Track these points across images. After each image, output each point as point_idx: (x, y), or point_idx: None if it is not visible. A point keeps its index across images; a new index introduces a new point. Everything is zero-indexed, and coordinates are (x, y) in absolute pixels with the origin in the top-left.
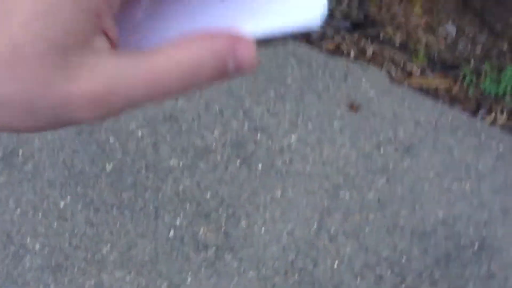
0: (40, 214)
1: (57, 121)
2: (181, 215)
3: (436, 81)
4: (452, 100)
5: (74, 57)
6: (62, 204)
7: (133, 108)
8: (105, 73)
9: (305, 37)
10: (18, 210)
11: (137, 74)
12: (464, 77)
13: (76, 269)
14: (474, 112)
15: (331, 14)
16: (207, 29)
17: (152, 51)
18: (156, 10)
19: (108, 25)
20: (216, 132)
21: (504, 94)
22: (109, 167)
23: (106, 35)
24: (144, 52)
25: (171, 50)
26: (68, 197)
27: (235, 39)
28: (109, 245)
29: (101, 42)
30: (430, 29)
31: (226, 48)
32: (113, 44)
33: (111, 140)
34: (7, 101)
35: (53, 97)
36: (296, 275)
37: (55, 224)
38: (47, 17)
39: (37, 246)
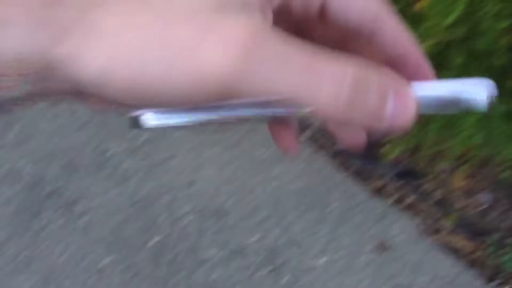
0: (81, 266)
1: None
2: None
3: (462, 242)
4: (473, 263)
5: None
6: (102, 262)
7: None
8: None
9: (358, 172)
10: (63, 256)
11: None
12: (488, 246)
13: None
14: (490, 280)
15: (383, 158)
16: None
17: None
18: None
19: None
20: (256, 236)
21: None
22: (153, 240)
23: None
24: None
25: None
26: (110, 258)
27: (401, 81)
28: None
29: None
30: (468, 193)
31: (391, 82)
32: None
33: (162, 217)
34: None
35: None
36: None
37: (93, 278)
38: None
39: None
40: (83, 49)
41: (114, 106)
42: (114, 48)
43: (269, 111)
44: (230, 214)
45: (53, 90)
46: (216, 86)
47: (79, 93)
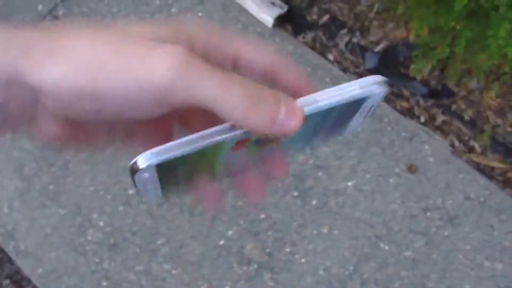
0: (109, 196)
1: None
2: (234, 228)
3: (494, 161)
4: (505, 183)
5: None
6: (130, 191)
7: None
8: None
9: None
10: (92, 187)
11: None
12: None
13: (130, 252)
14: None
15: (411, 77)
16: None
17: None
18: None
19: None
20: None
21: None
22: None
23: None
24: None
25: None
26: None
27: (290, 101)
28: (164, 238)
29: None
30: (501, 112)
31: (282, 95)
32: None
33: None
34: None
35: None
36: None
37: (121, 208)
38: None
39: (101, 223)
40: (47, 60)
41: (65, 127)
42: (75, 59)
43: (235, 133)
44: None
45: (14, 101)
46: (159, 89)
47: (37, 104)
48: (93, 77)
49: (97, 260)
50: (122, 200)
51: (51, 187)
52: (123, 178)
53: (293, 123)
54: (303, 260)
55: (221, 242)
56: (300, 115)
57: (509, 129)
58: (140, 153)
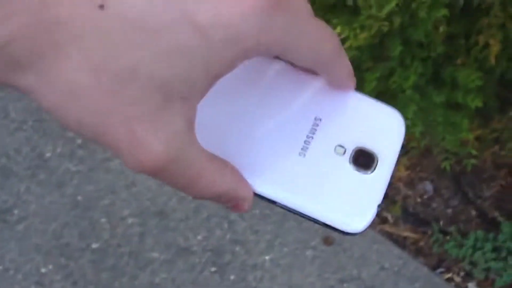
0: (20, 275)
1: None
2: None
3: (406, 231)
4: (417, 253)
5: (170, 109)
6: (43, 270)
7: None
8: (177, 145)
9: None
10: (1, 266)
11: (189, 170)
12: (432, 235)
13: None
14: (434, 268)
15: None
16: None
17: (207, 161)
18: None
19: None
20: (200, 237)
21: (464, 258)
22: (95, 245)
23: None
24: (203, 154)
25: (213, 176)
26: (50, 265)
27: (242, 197)
28: None
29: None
30: (411, 183)
31: (238, 196)
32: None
33: (103, 220)
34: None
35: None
36: None
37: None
38: (182, 54)
39: None
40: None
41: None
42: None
43: None
44: (173, 215)
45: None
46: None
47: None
48: None
49: None
50: (34, 280)
51: None
52: (35, 256)
53: (243, 209)
54: None
55: None
56: (250, 205)
57: (419, 199)
58: None
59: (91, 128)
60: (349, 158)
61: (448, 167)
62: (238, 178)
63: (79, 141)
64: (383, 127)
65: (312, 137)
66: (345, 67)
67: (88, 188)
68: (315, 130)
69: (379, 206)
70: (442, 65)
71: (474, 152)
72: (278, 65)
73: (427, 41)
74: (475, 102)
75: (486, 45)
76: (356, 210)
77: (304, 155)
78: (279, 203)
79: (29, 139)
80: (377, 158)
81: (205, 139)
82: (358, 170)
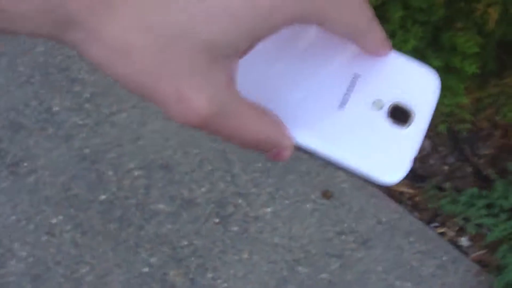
0: (31, 225)
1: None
2: (157, 255)
3: (403, 187)
4: (413, 207)
5: (214, 68)
6: (53, 221)
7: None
8: (220, 100)
9: None
10: (13, 217)
11: (232, 121)
12: (428, 190)
13: (54, 283)
14: (429, 222)
15: None
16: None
17: (248, 109)
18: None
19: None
20: (203, 189)
21: (458, 214)
22: (102, 197)
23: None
24: (245, 105)
25: (255, 123)
26: (60, 216)
27: (283, 144)
28: (88, 267)
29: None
30: None
31: (279, 143)
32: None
33: (110, 173)
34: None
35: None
36: None
37: (43, 238)
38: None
39: (23, 254)
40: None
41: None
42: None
43: None
44: (177, 168)
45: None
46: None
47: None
48: None
49: None
50: (45, 230)
51: None
52: (45, 207)
53: (282, 158)
54: (225, 285)
55: (145, 269)
56: (290, 154)
57: (417, 156)
58: None
59: (139, 85)
60: (386, 113)
61: (444, 129)
62: (280, 126)
63: (86, 95)
64: (419, 85)
65: (351, 92)
66: (380, 34)
67: (95, 141)
68: (354, 85)
69: (413, 159)
70: (441, 29)
71: (469, 117)
72: (318, 29)
73: (428, 5)
74: (472, 68)
75: (486, 11)
76: (391, 162)
77: (344, 108)
78: (318, 153)
79: (37, 92)
80: (413, 114)
81: (250, 92)
82: (394, 125)
